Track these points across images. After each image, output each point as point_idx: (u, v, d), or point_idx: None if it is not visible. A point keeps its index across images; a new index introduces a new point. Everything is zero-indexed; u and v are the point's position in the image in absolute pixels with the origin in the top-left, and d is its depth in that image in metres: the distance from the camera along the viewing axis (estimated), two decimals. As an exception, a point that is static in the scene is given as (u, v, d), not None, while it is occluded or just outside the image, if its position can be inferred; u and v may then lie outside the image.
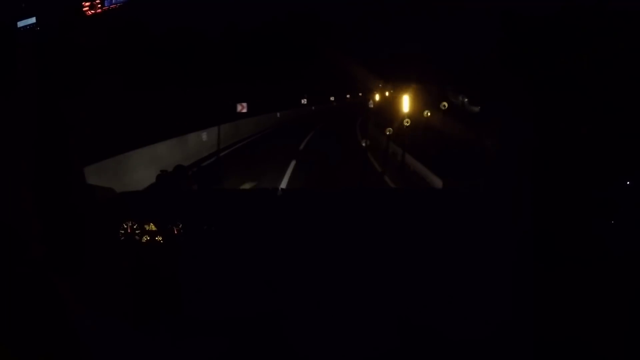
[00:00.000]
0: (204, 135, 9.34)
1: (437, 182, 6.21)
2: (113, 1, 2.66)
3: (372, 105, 18.41)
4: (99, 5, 2.64)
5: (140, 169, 6.10)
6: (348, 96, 40.04)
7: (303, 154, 10.54)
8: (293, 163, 8.52)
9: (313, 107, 27.30)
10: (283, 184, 6.54)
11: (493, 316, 1.76)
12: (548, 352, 1.63)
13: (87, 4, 2.64)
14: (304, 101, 25.38)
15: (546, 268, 1.88)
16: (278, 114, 19.23)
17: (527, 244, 1.94)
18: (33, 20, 2.45)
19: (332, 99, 34.26)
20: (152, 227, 2.20)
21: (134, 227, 2.20)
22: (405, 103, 7.48)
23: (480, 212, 2.20)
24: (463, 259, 1.98)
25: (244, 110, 11.47)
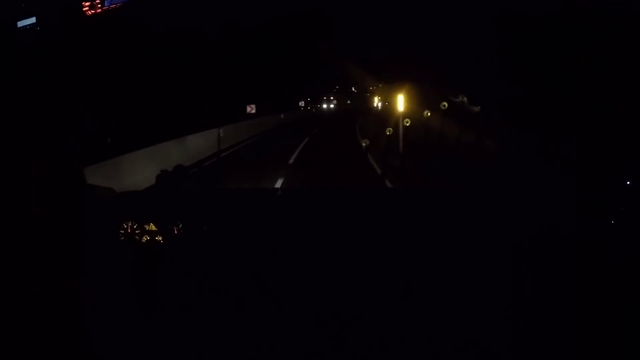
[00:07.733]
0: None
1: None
2: (113, 1, 2.66)
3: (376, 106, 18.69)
4: (99, 5, 2.64)
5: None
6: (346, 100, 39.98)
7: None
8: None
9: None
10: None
11: (494, 319, 1.77)
12: (549, 352, 1.63)
13: (87, 4, 2.64)
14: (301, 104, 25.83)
15: (546, 268, 1.88)
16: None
17: (528, 244, 1.94)
18: (33, 20, 2.45)
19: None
20: (152, 227, 2.20)
21: (134, 227, 2.20)
22: (400, 102, 7.48)
23: (480, 212, 2.20)
24: (462, 260, 1.98)
25: (253, 112, 11.25)
